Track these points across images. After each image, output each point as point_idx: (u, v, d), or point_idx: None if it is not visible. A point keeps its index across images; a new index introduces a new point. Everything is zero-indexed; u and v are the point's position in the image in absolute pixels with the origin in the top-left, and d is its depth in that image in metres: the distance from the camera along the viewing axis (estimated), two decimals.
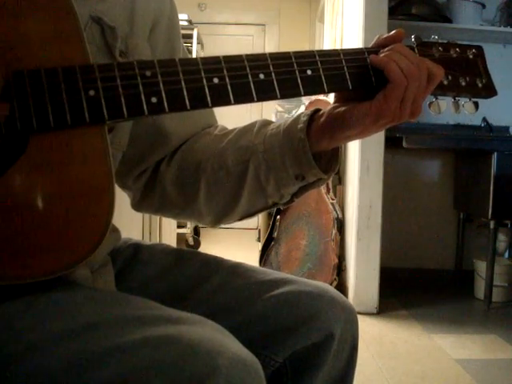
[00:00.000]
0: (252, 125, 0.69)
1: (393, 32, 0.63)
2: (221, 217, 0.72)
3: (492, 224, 2.45)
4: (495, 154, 2.39)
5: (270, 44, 4.99)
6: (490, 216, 2.42)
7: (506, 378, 1.78)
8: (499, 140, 2.50)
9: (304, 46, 4.91)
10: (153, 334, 0.46)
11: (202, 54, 4.33)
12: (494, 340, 2.13)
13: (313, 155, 0.63)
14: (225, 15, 4.93)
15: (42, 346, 0.46)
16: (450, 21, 2.75)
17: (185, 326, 0.48)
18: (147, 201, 0.76)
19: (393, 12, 2.61)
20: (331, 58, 0.60)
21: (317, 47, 4.57)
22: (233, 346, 0.47)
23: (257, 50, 4.99)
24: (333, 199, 2.79)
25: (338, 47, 3.20)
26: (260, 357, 0.62)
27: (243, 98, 0.55)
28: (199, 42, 4.06)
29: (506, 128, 2.88)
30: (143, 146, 0.72)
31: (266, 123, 0.68)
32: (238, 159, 0.67)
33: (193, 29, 3.87)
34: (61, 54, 0.50)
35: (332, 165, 0.66)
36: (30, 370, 0.45)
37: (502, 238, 2.75)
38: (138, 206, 0.78)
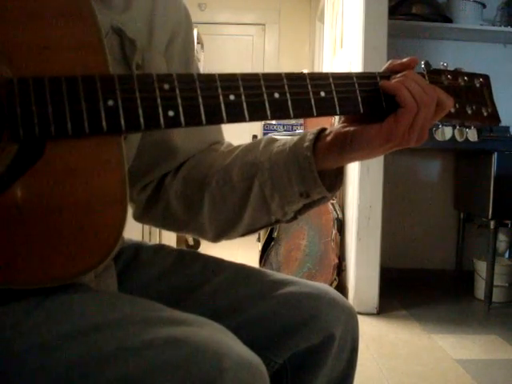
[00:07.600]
0: (258, 142, 0.70)
1: (406, 59, 0.64)
2: (223, 232, 0.72)
3: (492, 224, 2.45)
4: (495, 154, 2.39)
5: (269, 44, 4.98)
6: (490, 216, 2.42)
7: (506, 378, 1.78)
8: (499, 140, 2.50)
9: (304, 46, 4.91)
10: (159, 335, 0.46)
11: (202, 54, 4.33)
12: (494, 340, 2.13)
13: (318, 173, 0.63)
14: (225, 15, 4.93)
15: (49, 346, 0.46)
16: (450, 20, 2.75)
17: (190, 327, 0.48)
18: (151, 213, 0.77)
19: (393, 12, 2.61)
20: (344, 81, 0.60)
21: (317, 47, 4.57)
22: (238, 348, 0.47)
23: (257, 49, 4.99)
24: (333, 199, 2.79)
25: (338, 47, 3.20)
26: (260, 358, 0.62)
27: (258, 115, 0.56)
28: (199, 42, 4.06)
29: (506, 128, 2.88)
30: (149, 159, 0.73)
31: (272, 140, 0.69)
32: (244, 175, 0.67)
33: (193, 29, 3.86)
34: (81, 62, 0.50)
35: (336, 183, 0.66)
36: (36, 369, 0.45)
37: (502, 238, 2.75)
38: (140, 217, 0.79)
